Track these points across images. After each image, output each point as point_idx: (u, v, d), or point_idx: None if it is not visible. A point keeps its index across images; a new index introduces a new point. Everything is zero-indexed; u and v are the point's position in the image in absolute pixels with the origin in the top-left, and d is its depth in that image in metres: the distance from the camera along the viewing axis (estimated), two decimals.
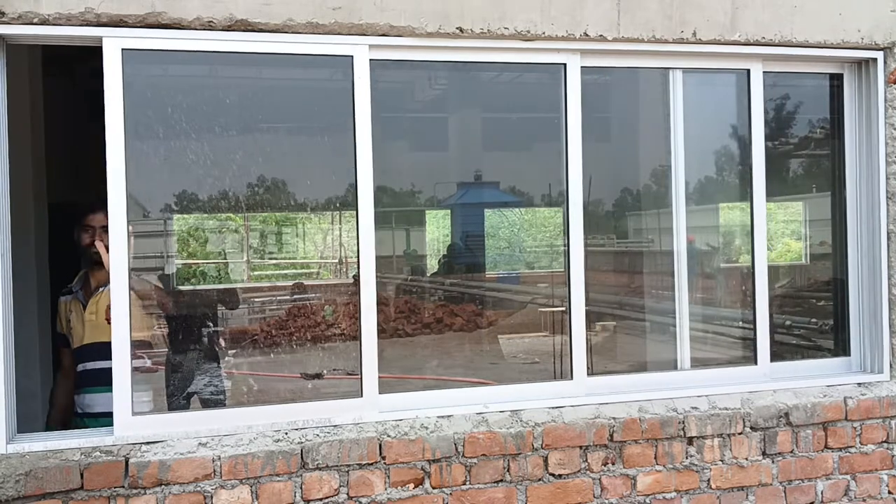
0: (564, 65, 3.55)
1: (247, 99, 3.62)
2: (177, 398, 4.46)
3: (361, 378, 3.27)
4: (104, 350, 3.48)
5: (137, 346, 3.58)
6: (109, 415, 3.34)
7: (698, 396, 3.58)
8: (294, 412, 3.17)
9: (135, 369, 3.12)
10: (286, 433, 3.11)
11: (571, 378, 3.55)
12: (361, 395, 3.26)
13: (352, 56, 3.27)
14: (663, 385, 3.63)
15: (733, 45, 3.66)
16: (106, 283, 3.59)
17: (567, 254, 3.57)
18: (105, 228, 3.56)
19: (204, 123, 3.64)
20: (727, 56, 3.74)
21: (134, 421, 3.02)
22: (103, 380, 3.54)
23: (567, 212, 3.58)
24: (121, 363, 3.01)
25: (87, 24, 2.98)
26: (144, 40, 3.04)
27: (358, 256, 3.32)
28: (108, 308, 3.54)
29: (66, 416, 3.82)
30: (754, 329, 3.82)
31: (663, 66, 3.73)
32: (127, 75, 3.03)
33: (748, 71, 3.80)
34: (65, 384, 3.85)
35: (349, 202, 3.34)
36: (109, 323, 3.52)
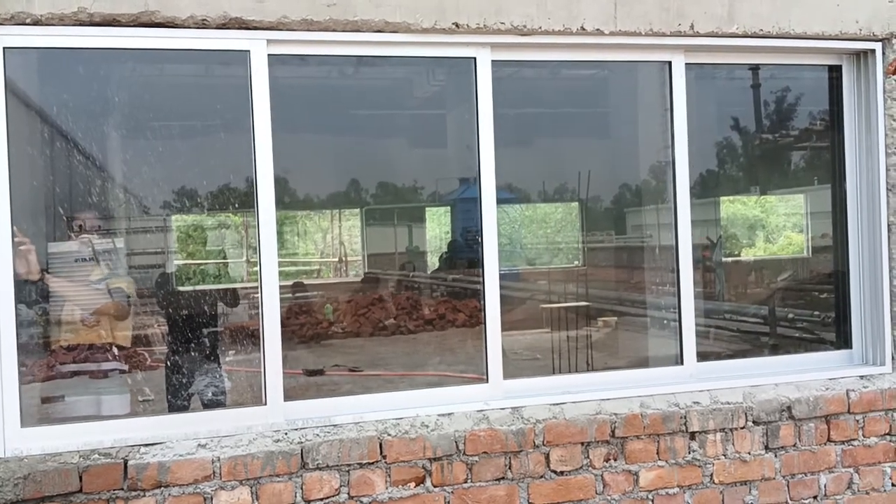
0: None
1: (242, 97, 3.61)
2: (177, 399, 4.46)
3: (264, 382, 3.16)
4: (83, 355, 3.45)
5: (98, 351, 3.58)
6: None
7: (700, 391, 3.56)
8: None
9: (105, 373, 3.10)
10: (286, 433, 3.10)
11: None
12: (265, 403, 3.16)
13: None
14: (588, 386, 3.56)
15: (731, 38, 3.63)
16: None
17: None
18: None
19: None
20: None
21: (24, 433, 2.91)
22: (86, 386, 3.52)
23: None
24: (8, 373, 2.90)
25: (81, 24, 2.96)
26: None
27: (259, 256, 3.17)
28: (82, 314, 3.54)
29: None
30: (679, 328, 3.71)
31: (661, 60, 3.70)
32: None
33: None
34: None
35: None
36: (85, 325, 3.52)
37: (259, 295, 3.18)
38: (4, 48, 2.94)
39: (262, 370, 3.17)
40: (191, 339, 4.66)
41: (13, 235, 2.93)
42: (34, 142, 3.99)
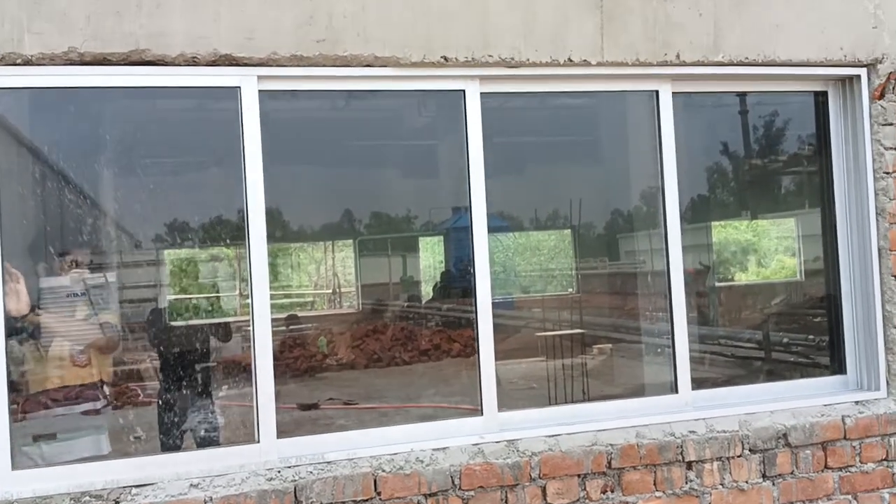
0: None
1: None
2: (169, 437, 4.42)
3: (257, 419, 3.13)
4: (70, 395, 3.38)
5: (89, 389, 3.53)
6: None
7: (696, 420, 3.54)
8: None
9: (84, 413, 3.06)
10: (279, 471, 3.06)
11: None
12: (258, 441, 3.13)
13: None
14: (584, 416, 3.53)
15: (717, 67, 3.67)
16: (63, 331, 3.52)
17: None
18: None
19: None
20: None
21: (15, 476, 2.88)
22: (77, 426, 3.45)
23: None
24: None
25: (71, 64, 2.98)
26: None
27: (251, 290, 3.17)
28: (71, 352, 3.49)
29: None
30: (673, 355, 3.69)
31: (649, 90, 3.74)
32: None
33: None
34: None
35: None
36: (75, 365, 3.48)
37: (251, 332, 3.15)
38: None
39: (255, 407, 3.14)
40: (183, 375, 4.63)
41: (3, 271, 2.91)
42: (25, 179, 4.00)
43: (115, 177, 4.82)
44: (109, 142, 4.44)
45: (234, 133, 3.19)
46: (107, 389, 3.65)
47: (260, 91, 3.19)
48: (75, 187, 4.41)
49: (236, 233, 3.27)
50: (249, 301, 3.16)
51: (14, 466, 2.91)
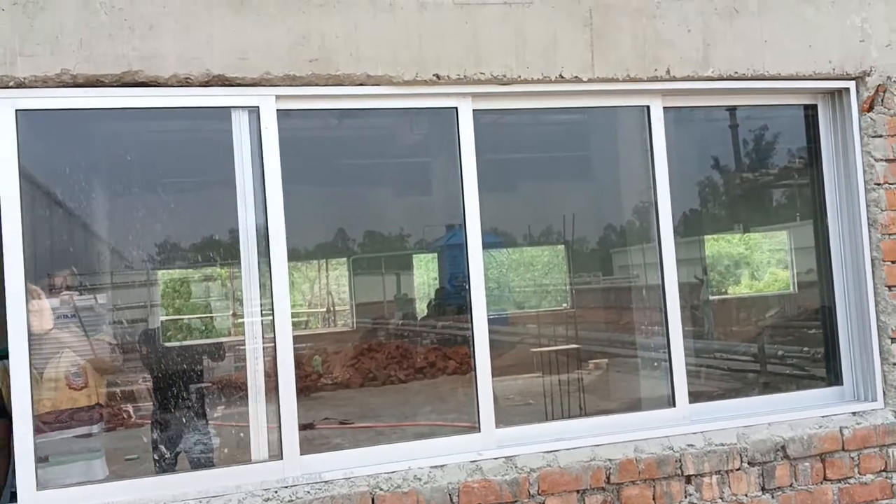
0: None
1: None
2: (162, 460, 4.38)
3: (280, 436, 3.15)
4: (66, 418, 3.33)
5: (85, 412, 3.48)
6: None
7: (693, 433, 3.54)
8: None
9: (80, 437, 3.03)
10: (276, 491, 3.04)
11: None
12: (281, 458, 3.14)
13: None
14: (581, 431, 3.52)
15: (706, 81, 3.70)
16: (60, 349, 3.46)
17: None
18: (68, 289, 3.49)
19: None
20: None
21: (42, 496, 2.87)
22: (72, 449, 3.38)
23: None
24: (23, 438, 2.87)
25: (64, 86, 2.98)
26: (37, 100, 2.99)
27: (272, 308, 3.20)
28: (68, 373, 3.43)
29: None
30: (670, 369, 3.69)
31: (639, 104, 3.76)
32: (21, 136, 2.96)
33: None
34: None
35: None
36: (71, 388, 3.43)
37: (273, 347, 3.16)
38: (17, 111, 2.96)
39: (278, 424, 3.14)
40: (176, 396, 4.60)
41: (28, 293, 2.93)
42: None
43: (108, 198, 4.81)
44: (102, 162, 4.43)
45: (226, 153, 3.20)
46: (103, 412, 3.62)
47: (251, 111, 3.20)
48: (66, 208, 4.39)
49: (230, 252, 3.26)
50: (271, 317, 3.17)
51: (38, 487, 2.90)
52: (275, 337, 3.17)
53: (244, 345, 3.24)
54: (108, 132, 4.18)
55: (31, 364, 2.91)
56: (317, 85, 3.26)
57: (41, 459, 3.35)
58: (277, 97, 3.23)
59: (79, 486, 3.06)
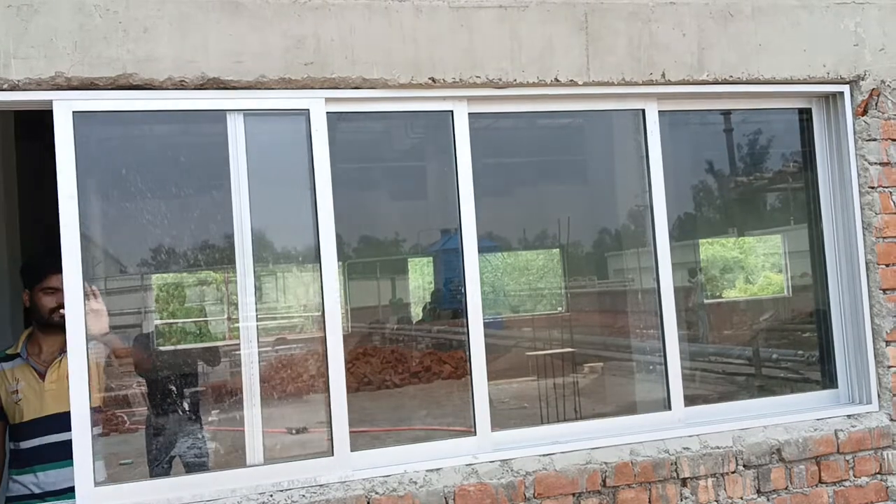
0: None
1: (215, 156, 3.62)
2: (158, 463, 4.36)
3: (331, 435, 3.19)
4: (69, 421, 3.33)
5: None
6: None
7: (689, 436, 3.54)
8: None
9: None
10: (271, 495, 3.03)
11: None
12: (332, 454, 3.18)
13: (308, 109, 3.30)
14: (577, 434, 3.54)
15: (701, 85, 3.71)
16: (64, 348, 3.43)
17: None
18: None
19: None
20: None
21: (99, 492, 2.92)
22: (68, 453, 3.26)
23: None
24: (81, 433, 2.92)
25: (58, 89, 2.97)
26: (94, 102, 3.03)
27: (322, 307, 3.28)
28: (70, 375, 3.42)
29: None
30: (665, 373, 3.71)
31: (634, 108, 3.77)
32: (79, 136, 3.00)
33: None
34: None
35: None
36: None
37: (323, 344, 3.27)
38: (74, 112, 3.00)
39: (329, 422, 3.20)
40: (171, 400, 4.58)
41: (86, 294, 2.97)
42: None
43: (102, 201, 4.79)
44: (99, 164, 4.41)
45: (221, 156, 3.19)
46: (101, 415, 3.60)
47: (246, 115, 3.21)
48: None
49: (228, 256, 3.25)
50: (321, 315, 3.31)
51: (96, 483, 2.94)
52: (325, 336, 3.27)
53: (238, 350, 3.23)
54: (104, 135, 4.16)
55: (88, 364, 2.96)
56: (312, 88, 3.26)
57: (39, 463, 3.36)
58: (327, 100, 3.28)
59: (135, 482, 3.07)
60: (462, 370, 3.62)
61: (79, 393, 2.93)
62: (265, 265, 3.42)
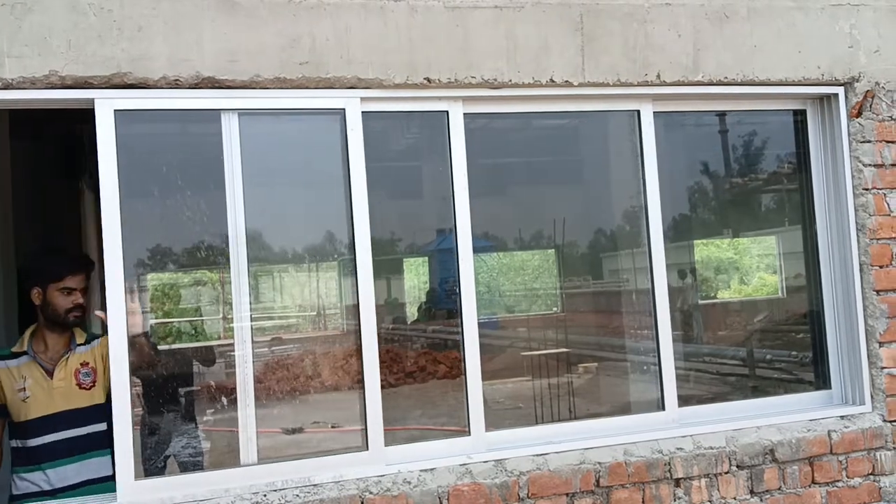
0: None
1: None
2: (153, 462, 4.36)
3: (366, 431, 3.26)
4: (77, 418, 3.34)
5: (93, 411, 3.49)
6: (90, 483, 3.32)
7: (682, 437, 3.55)
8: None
9: (87, 435, 3.04)
10: (265, 495, 3.03)
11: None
12: (367, 449, 3.24)
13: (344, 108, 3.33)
14: (571, 434, 3.54)
15: (696, 86, 3.72)
16: (69, 346, 3.47)
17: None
18: (84, 290, 3.49)
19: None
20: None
21: (140, 485, 2.97)
22: (77, 449, 3.39)
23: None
24: (123, 432, 2.96)
25: (52, 87, 2.96)
26: (135, 101, 3.07)
27: (358, 306, 3.40)
28: (77, 372, 3.42)
29: None
30: (659, 373, 3.71)
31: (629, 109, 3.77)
32: (119, 136, 3.04)
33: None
34: None
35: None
36: (81, 388, 3.43)
37: (358, 337, 3.42)
38: (115, 111, 3.03)
39: (364, 416, 3.27)
40: (166, 399, 4.58)
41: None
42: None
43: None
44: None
45: (216, 155, 3.19)
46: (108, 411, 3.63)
47: (241, 114, 3.20)
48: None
49: (223, 255, 3.25)
50: (356, 308, 3.43)
51: (136, 476, 2.98)
52: (360, 331, 3.42)
53: (233, 350, 3.23)
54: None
55: (128, 360, 3.00)
56: (307, 88, 3.26)
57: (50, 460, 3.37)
58: (362, 98, 3.32)
59: (175, 475, 3.23)
60: (457, 370, 3.63)
61: (120, 388, 2.98)
62: (294, 263, 3.47)
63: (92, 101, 3.02)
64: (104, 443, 3.45)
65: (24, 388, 3.37)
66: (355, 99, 3.32)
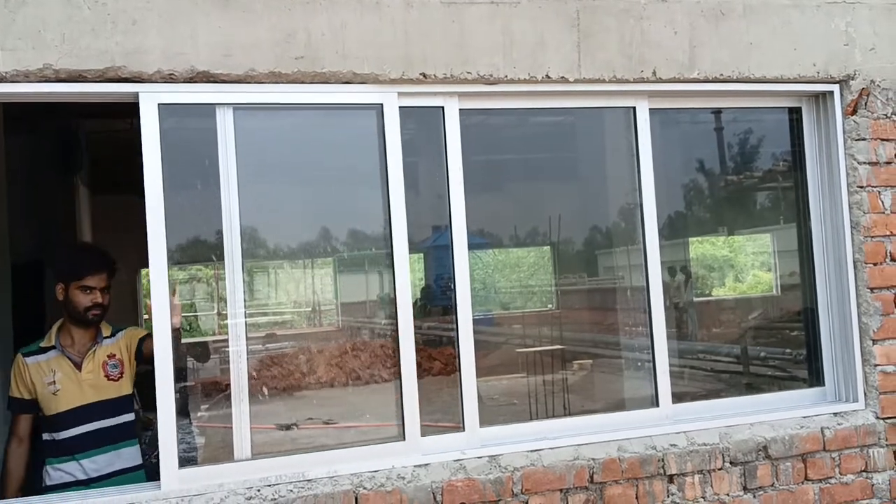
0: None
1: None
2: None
3: (403, 422, 3.33)
4: (107, 409, 3.44)
5: (122, 401, 3.56)
6: (122, 472, 3.43)
7: (676, 433, 3.55)
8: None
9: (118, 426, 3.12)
10: (258, 489, 3.03)
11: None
12: (404, 439, 3.30)
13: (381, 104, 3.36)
14: (565, 431, 3.54)
15: (692, 83, 3.72)
16: (95, 339, 3.53)
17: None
18: (105, 289, 3.51)
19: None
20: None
21: (183, 474, 3.00)
22: (108, 439, 3.48)
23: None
24: (166, 422, 2.99)
25: (46, 81, 2.95)
26: (178, 95, 3.10)
27: (395, 298, 3.51)
28: (105, 364, 3.50)
29: (23, 489, 3.43)
30: (653, 370, 3.72)
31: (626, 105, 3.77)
32: (162, 131, 3.06)
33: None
34: (18, 454, 3.46)
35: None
36: (109, 379, 3.49)
37: (395, 328, 3.50)
38: (160, 105, 3.06)
39: (400, 406, 3.38)
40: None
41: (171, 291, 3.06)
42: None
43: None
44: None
45: (210, 151, 3.18)
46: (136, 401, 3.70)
47: (236, 109, 3.19)
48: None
49: (220, 251, 3.24)
50: (394, 298, 3.52)
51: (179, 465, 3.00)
52: (397, 324, 3.51)
53: (227, 346, 3.24)
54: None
55: (174, 354, 3.03)
56: (302, 83, 3.25)
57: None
58: (400, 94, 3.35)
59: (215, 464, 3.13)
60: (451, 366, 3.63)
61: (164, 381, 2.99)
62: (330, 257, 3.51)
63: (136, 94, 3.05)
64: (133, 433, 3.57)
65: (54, 382, 3.43)
66: (351, 94, 3.31)
